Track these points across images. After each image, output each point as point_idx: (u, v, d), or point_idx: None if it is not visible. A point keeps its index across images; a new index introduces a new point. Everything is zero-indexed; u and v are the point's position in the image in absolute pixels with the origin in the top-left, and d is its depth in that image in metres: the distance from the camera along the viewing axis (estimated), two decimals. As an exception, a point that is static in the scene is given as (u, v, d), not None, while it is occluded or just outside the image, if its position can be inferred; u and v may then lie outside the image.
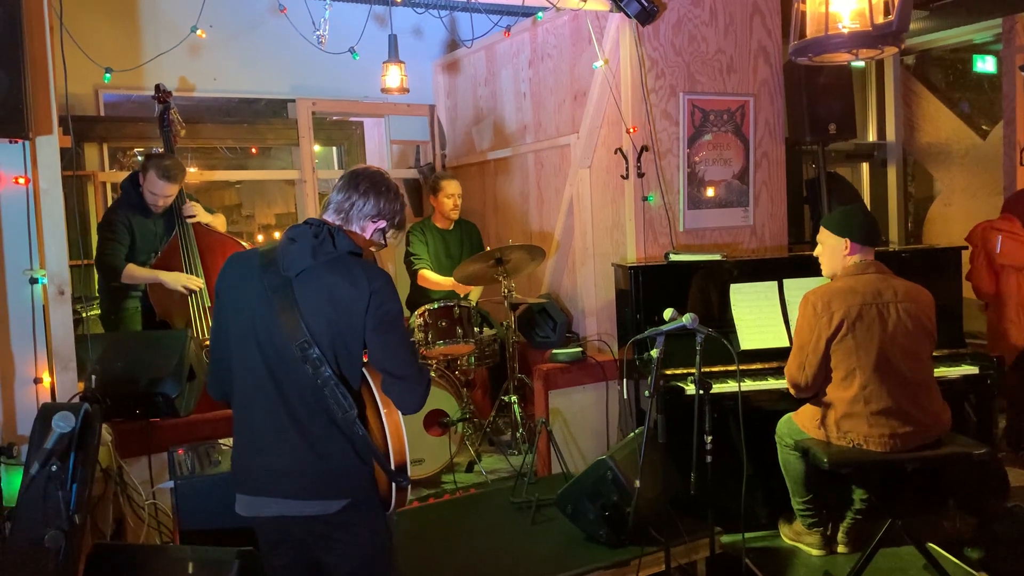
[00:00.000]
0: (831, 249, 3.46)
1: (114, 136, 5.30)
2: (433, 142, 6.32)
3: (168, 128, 4.35)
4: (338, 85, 5.77)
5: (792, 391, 3.43)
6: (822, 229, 3.49)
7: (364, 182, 2.34)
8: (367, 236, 2.37)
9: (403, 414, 2.31)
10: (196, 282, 4.14)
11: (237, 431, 2.35)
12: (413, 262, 5.17)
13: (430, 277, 5.08)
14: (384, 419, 2.27)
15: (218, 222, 4.47)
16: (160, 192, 4.12)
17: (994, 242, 4.66)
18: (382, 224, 2.36)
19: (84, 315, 4.42)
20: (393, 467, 2.26)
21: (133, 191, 4.21)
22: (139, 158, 4.28)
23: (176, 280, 4.12)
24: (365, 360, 2.31)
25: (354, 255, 2.28)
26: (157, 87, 4.36)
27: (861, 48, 3.43)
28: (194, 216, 4.26)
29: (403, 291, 5.54)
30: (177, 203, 4.24)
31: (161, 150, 4.41)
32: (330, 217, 2.34)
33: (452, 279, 4.92)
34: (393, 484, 2.27)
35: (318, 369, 2.18)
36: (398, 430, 2.28)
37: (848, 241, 3.39)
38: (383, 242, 2.41)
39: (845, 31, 3.38)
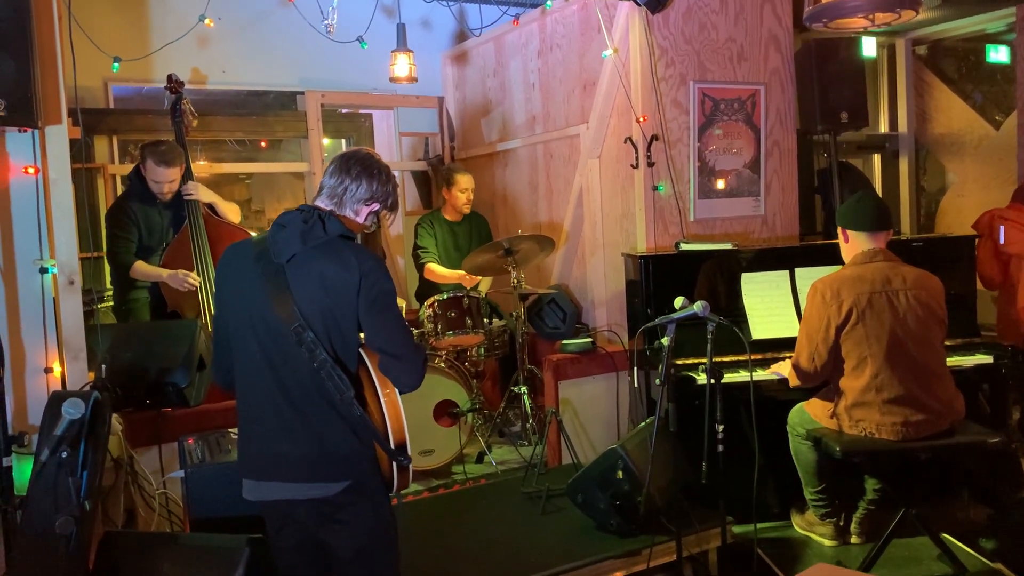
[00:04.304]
0: (840, 240, 3.48)
1: (124, 129, 5.31)
2: (442, 134, 6.31)
3: (180, 119, 4.35)
4: (347, 77, 5.76)
5: (797, 379, 3.39)
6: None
7: (356, 166, 2.34)
8: (361, 220, 2.37)
9: (402, 393, 2.32)
10: (193, 279, 4.13)
11: (240, 417, 2.37)
12: (420, 255, 5.16)
13: (437, 270, 5.07)
14: (382, 399, 2.28)
15: (229, 209, 4.44)
16: (163, 179, 4.13)
17: (998, 232, 4.62)
18: (376, 207, 2.37)
19: (95, 307, 4.44)
20: (393, 446, 2.27)
21: (139, 183, 4.22)
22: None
23: (173, 277, 4.11)
24: (362, 341, 2.32)
25: (345, 239, 2.29)
26: (169, 77, 4.36)
27: (878, 11, 3.38)
28: (193, 195, 4.24)
29: (413, 284, 5.54)
30: (182, 186, 4.24)
31: (167, 139, 4.40)
32: (323, 203, 2.34)
33: (459, 272, 4.91)
34: (394, 465, 2.28)
35: (314, 352, 2.19)
36: (396, 410, 2.30)
37: (841, 229, 3.43)
38: (377, 224, 2.41)
39: None
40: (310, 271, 2.23)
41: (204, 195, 4.31)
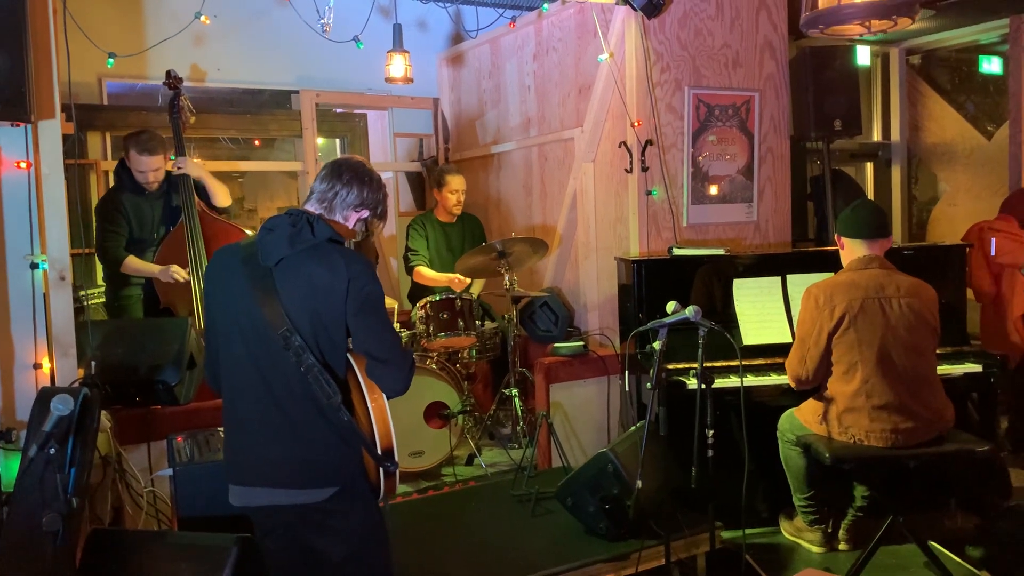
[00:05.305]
0: (839, 247, 3.50)
1: (118, 125, 5.28)
2: (437, 135, 6.31)
3: (178, 115, 4.33)
4: (342, 77, 5.75)
5: (793, 384, 3.42)
6: None
7: (347, 172, 2.35)
8: (350, 226, 2.37)
9: (389, 397, 2.32)
10: (182, 273, 4.11)
11: (226, 422, 2.37)
12: (410, 258, 5.15)
13: (425, 274, 5.06)
14: (369, 404, 2.28)
15: (219, 189, 4.39)
16: (147, 167, 4.12)
17: (988, 244, 4.64)
18: (365, 214, 2.37)
19: (86, 304, 4.42)
20: (380, 452, 2.26)
21: (125, 175, 4.22)
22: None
23: (164, 272, 4.10)
24: (350, 345, 2.31)
25: (334, 242, 2.29)
26: (168, 73, 4.35)
27: (874, 18, 3.40)
28: (182, 168, 4.22)
29: (405, 285, 5.53)
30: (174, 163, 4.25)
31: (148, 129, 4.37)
32: (312, 207, 2.34)
33: (448, 275, 4.91)
34: (381, 470, 2.27)
35: (301, 357, 2.19)
36: (383, 415, 2.29)
37: (838, 236, 3.47)
38: (366, 231, 2.41)
39: (858, 0, 3.35)
40: (298, 274, 2.22)
41: (193, 170, 4.29)
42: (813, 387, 3.40)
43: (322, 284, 2.21)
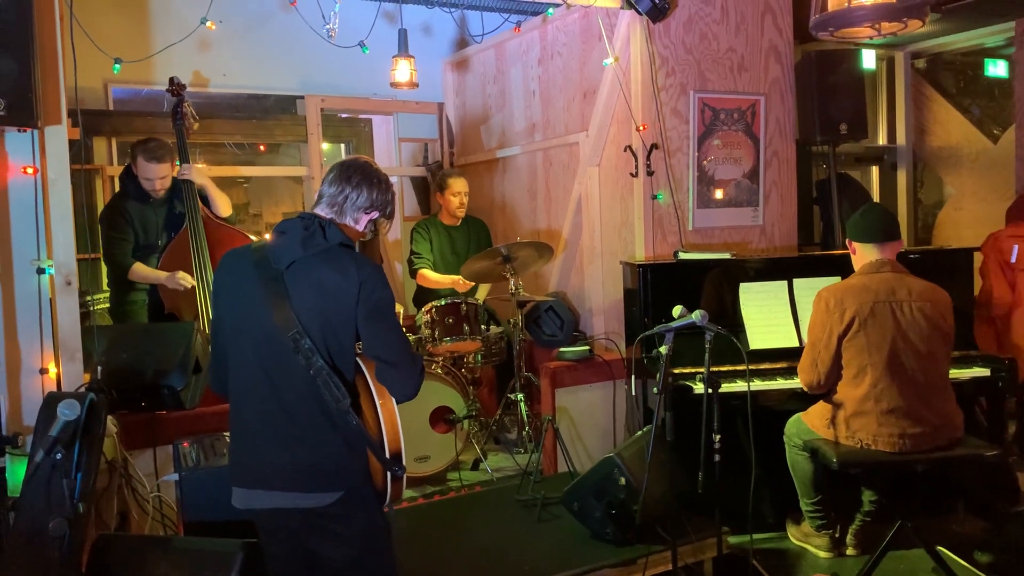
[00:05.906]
0: (850, 252, 3.49)
1: (123, 131, 5.31)
2: (441, 140, 6.32)
3: (181, 121, 4.35)
4: (347, 82, 5.77)
5: (806, 388, 3.41)
6: None
7: (356, 174, 2.35)
8: (360, 228, 2.38)
9: (399, 401, 2.32)
10: (188, 280, 4.12)
11: (232, 425, 2.36)
12: (414, 261, 5.16)
13: (429, 276, 5.07)
14: (379, 408, 2.28)
15: (220, 199, 4.40)
16: (154, 175, 4.14)
17: (1009, 251, 4.61)
18: (375, 215, 2.39)
19: (92, 309, 4.43)
20: (388, 456, 2.26)
21: (131, 182, 4.23)
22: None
23: (170, 279, 4.11)
24: (359, 349, 2.31)
25: (345, 246, 2.29)
26: (171, 80, 4.36)
27: (884, 21, 3.40)
28: (186, 174, 4.23)
29: (410, 289, 5.53)
30: (176, 180, 4.25)
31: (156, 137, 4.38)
32: (323, 211, 2.35)
33: (452, 277, 4.91)
34: (388, 475, 2.27)
35: (310, 360, 2.19)
36: (392, 419, 2.29)
37: (848, 241, 3.47)
38: (374, 230, 2.43)
39: (868, 2, 3.35)
40: (309, 278, 2.23)
41: (197, 176, 4.30)
42: (825, 391, 3.39)
43: (333, 288, 2.21)
